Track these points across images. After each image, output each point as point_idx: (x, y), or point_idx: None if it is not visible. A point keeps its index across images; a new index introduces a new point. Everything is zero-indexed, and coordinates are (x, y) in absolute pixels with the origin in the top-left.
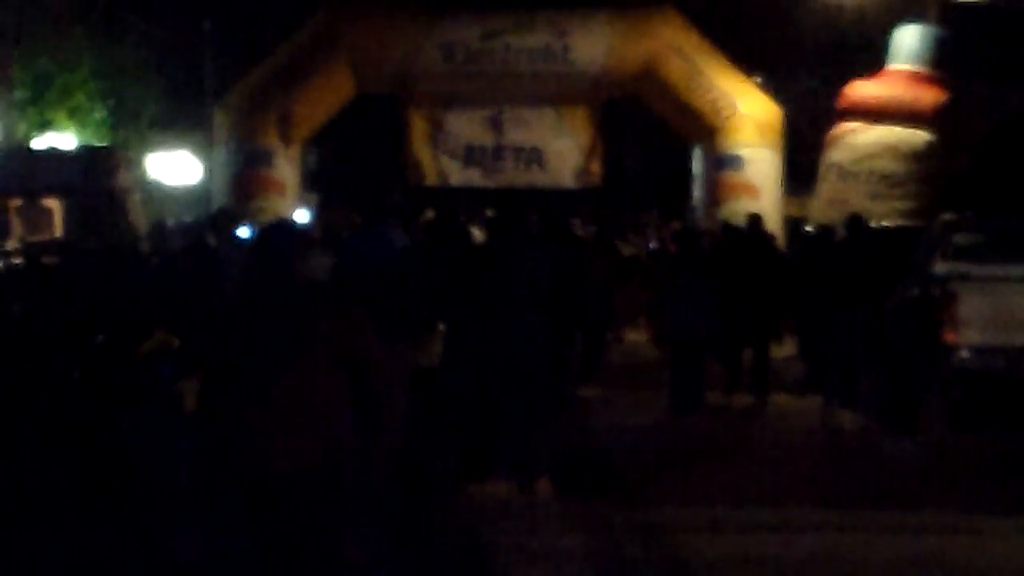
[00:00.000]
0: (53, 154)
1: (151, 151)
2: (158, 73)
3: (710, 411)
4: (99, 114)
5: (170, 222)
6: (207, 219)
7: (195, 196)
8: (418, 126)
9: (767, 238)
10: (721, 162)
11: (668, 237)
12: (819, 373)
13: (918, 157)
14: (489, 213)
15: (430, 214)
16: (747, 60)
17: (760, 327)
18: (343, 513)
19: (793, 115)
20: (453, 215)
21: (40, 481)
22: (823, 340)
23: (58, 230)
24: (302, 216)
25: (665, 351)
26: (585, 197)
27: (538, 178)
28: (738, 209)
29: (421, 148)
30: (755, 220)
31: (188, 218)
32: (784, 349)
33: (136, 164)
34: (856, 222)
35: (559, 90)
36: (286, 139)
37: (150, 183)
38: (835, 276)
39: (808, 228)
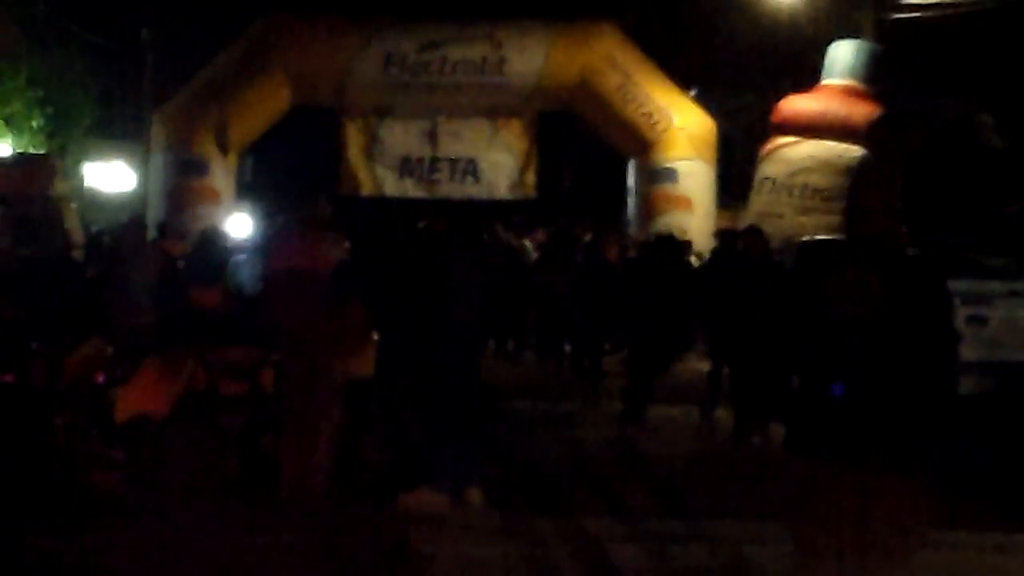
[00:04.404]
0: None
1: (88, 159)
2: (95, 81)
3: (650, 424)
4: (36, 122)
5: (105, 238)
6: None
7: (131, 204)
8: (353, 137)
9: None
10: (656, 175)
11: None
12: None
13: (851, 172)
14: (420, 224)
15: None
16: (682, 74)
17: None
18: None
19: (727, 129)
20: (388, 226)
21: None
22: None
23: None
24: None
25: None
26: (520, 209)
27: (472, 189)
28: (672, 222)
29: (356, 158)
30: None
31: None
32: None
33: (73, 172)
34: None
35: (495, 102)
36: (222, 148)
37: (87, 191)
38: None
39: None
